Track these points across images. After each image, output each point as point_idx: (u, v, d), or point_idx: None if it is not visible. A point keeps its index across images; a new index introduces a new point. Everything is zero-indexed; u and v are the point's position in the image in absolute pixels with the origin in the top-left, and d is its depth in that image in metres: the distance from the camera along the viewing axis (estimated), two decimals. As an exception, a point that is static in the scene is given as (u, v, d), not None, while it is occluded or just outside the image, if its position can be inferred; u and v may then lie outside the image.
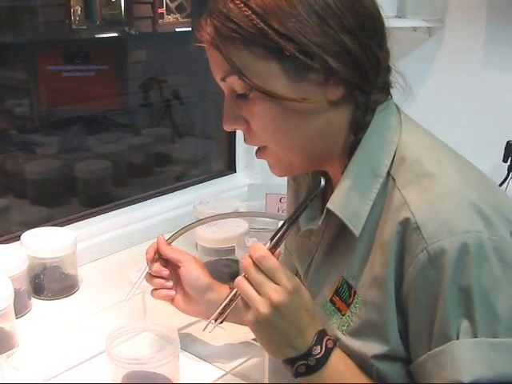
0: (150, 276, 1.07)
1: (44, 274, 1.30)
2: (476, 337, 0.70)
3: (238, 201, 1.58)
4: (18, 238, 1.33)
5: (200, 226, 1.38)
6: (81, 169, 1.86)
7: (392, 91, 0.84)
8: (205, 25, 0.78)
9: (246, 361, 1.03)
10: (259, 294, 0.76)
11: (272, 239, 0.81)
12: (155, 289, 1.08)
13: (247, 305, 0.78)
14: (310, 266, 0.90)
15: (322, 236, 0.87)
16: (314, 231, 0.87)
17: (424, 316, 0.73)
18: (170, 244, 1.08)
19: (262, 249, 0.77)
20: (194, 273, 1.06)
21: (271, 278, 0.76)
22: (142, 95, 2.39)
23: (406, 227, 0.72)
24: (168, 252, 1.06)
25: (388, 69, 0.81)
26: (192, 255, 1.09)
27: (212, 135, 2.16)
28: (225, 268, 1.39)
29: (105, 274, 1.41)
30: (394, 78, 0.83)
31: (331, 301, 0.83)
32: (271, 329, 0.76)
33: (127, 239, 1.55)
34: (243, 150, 1.85)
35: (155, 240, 1.08)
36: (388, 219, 0.75)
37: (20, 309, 1.20)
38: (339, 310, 0.82)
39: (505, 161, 1.47)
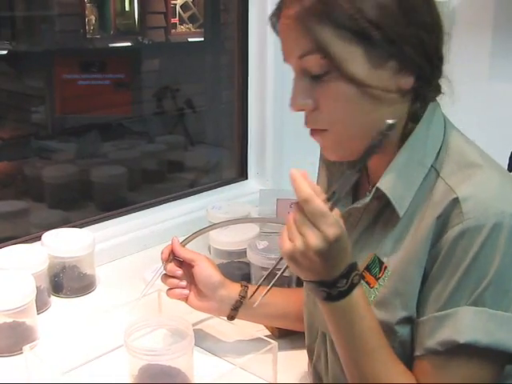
0: (165, 276, 1.12)
1: (63, 272, 1.35)
2: (483, 307, 0.76)
3: (249, 206, 1.63)
4: (38, 239, 1.39)
5: (213, 230, 1.43)
6: (96, 174, 1.92)
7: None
8: (290, 2, 0.80)
9: (255, 355, 1.07)
10: (315, 230, 0.75)
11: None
12: (170, 288, 1.13)
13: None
14: None
15: (360, 218, 0.90)
16: (353, 213, 0.90)
17: (441, 281, 0.79)
18: (184, 246, 1.14)
19: (308, 197, 0.75)
20: (206, 271, 1.11)
21: (313, 223, 0.75)
22: (156, 103, 2.46)
23: (452, 205, 0.78)
24: (182, 252, 1.12)
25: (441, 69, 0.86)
26: (204, 255, 1.14)
27: (224, 143, 2.21)
28: (236, 270, 1.43)
29: (121, 275, 1.47)
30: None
31: (361, 275, 0.85)
32: (304, 263, 0.77)
33: (143, 242, 1.60)
34: (255, 157, 1.91)
35: (170, 242, 1.14)
36: (430, 205, 0.81)
37: (40, 306, 1.25)
38: (368, 283, 0.87)
39: (510, 170, 1.51)
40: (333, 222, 0.75)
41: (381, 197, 0.85)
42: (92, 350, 1.14)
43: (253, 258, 1.33)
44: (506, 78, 1.58)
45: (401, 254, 0.83)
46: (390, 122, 0.76)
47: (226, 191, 1.87)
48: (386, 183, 0.84)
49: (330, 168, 1.00)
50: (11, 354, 1.14)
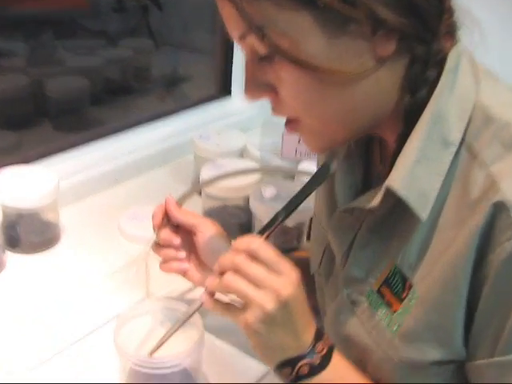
0: (158, 246, 0.88)
1: (20, 224, 1.09)
2: None
3: (242, 134, 1.37)
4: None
5: (204, 168, 1.18)
6: (53, 87, 1.60)
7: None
8: None
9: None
10: (261, 289, 0.66)
11: (263, 231, 0.72)
12: (165, 261, 0.89)
13: (243, 306, 0.67)
14: (351, 245, 0.74)
15: (366, 214, 0.71)
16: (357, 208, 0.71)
17: (495, 315, 0.60)
18: (181, 206, 0.89)
19: (256, 240, 0.68)
20: (212, 240, 0.88)
21: (273, 271, 0.66)
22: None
23: (496, 212, 0.58)
24: (179, 216, 0.87)
25: (452, 8, 0.62)
26: (209, 219, 0.90)
27: (201, 49, 1.90)
28: (231, 217, 1.20)
29: (90, 220, 1.21)
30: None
31: (379, 292, 0.69)
32: (276, 327, 0.66)
33: (113, 176, 1.33)
34: (241, 69, 1.62)
35: (162, 199, 0.89)
36: (464, 201, 0.61)
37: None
38: (389, 305, 0.68)
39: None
40: (291, 265, 0.67)
41: (394, 195, 0.63)
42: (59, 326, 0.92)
43: (258, 209, 1.10)
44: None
45: (427, 269, 0.64)
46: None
47: (208, 110, 1.59)
48: (399, 179, 0.62)
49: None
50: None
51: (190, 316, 0.76)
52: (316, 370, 0.67)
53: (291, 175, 1.13)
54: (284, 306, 0.65)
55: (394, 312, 0.67)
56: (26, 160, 1.23)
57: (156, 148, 1.41)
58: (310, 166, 1.10)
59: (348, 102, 0.63)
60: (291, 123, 0.68)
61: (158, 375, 0.76)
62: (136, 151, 1.38)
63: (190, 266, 0.90)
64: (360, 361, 0.70)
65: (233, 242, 0.70)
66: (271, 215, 1.09)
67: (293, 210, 0.72)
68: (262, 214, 1.09)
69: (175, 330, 0.77)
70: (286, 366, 0.68)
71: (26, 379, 0.84)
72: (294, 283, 0.66)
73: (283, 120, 0.68)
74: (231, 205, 1.20)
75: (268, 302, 0.65)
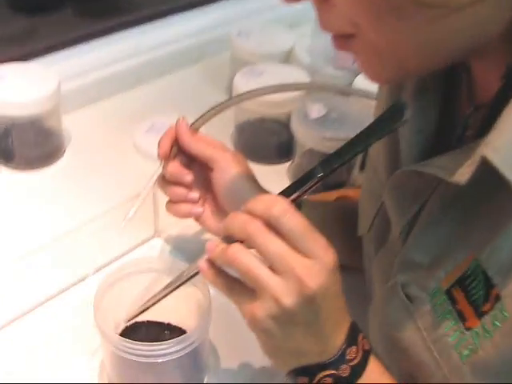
0: (165, 181, 0.68)
1: (14, 134, 0.90)
2: None
3: (289, 33, 1.11)
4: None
5: (240, 75, 0.96)
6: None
7: None
8: None
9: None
10: (278, 274, 0.46)
11: (291, 190, 0.51)
12: (173, 201, 0.70)
13: (252, 292, 0.48)
14: (415, 219, 0.52)
15: (439, 183, 0.49)
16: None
17: None
18: (196, 131, 0.68)
19: (281, 202, 0.47)
20: (234, 179, 0.68)
21: (299, 249, 0.46)
22: None
23: None
24: (193, 145, 0.67)
25: None
26: (231, 150, 0.69)
27: None
28: (269, 134, 0.98)
29: (98, 131, 1.00)
30: None
31: (449, 294, 0.48)
32: (293, 328, 0.48)
33: (132, 75, 1.11)
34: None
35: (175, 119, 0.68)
36: None
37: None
38: (461, 317, 0.47)
39: None
40: (326, 241, 0.47)
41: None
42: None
43: (300, 132, 0.88)
44: None
45: None
46: None
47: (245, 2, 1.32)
48: (503, 150, 0.40)
49: None
50: None
51: (179, 286, 0.56)
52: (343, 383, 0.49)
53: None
54: (309, 301, 0.46)
55: (468, 329, 0.46)
56: (34, 53, 1.03)
57: (186, 43, 1.17)
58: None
59: (433, 23, 0.39)
60: (341, 40, 0.45)
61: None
62: (161, 46, 1.14)
63: (205, 210, 0.70)
64: (410, 375, 0.51)
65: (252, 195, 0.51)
66: (317, 142, 0.88)
67: (335, 169, 0.50)
68: (306, 138, 0.87)
69: (158, 300, 0.58)
70: (302, 374, 0.50)
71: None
72: (327, 270, 0.46)
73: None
74: (270, 118, 0.98)
75: (287, 295, 0.46)
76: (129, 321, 0.61)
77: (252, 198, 0.65)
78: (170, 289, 0.57)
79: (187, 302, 0.63)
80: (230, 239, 0.49)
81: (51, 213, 0.83)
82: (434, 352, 0.48)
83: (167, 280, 0.63)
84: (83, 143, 0.98)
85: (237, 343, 0.70)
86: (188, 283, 0.56)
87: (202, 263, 0.51)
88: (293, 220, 0.46)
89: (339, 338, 0.49)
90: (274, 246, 0.46)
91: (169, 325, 0.67)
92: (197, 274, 0.54)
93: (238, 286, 0.49)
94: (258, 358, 0.68)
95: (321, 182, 0.50)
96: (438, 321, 0.48)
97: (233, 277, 0.50)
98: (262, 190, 0.68)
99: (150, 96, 1.09)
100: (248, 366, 0.68)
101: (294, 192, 0.50)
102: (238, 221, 0.48)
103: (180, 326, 0.67)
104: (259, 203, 0.48)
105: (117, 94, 1.07)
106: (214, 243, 0.50)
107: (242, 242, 0.48)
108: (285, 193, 0.51)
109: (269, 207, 0.47)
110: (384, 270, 0.56)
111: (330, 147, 0.83)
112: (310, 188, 0.50)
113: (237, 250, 0.48)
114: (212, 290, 0.61)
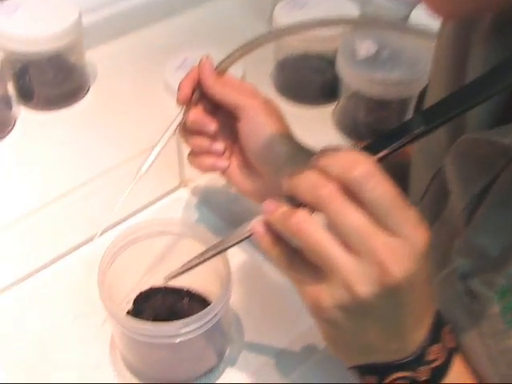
0: (186, 131, 0.60)
1: (31, 73, 0.83)
2: None
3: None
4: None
5: (280, 6, 0.85)
6: None
7: None
8: None
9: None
10: (354, 254, 0.36)
11: (377, 145, 0.38)
12: (195, 153, 0.61)
13: (318, 271, 0.38)
14: (482, 196, 0.43)
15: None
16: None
17: None
18: (223, 73, 0.59)
19: (364, 161, 0.36)
20: (263, 132, 0.59)
21: (386, 226, 0.36)
22: None
23: None
24: (218, 89, 0.58)
25: None
26: (262, 97, 0.60)
27: None
28: (313, 72, 0.88)
29: (125, 68, 0.92)
30: None
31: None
32: (367, 321, 0.39)
33: (159, 7, 1.00)
34: None
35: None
36: None
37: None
38: None
39: None
40: (418, 216, 0.37)
41: None
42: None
43: (347, 72, 0.78)
44: None
45: None
46: None
47: None
48: None
49: None
50: None
51: (226, 248, 0.48)
52: None
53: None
54: (390, 293, 0.37)
55: None
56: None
57: None
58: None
59: None
60: None
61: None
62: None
63: (231, 164, 0.62)
64: None
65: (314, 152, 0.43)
66: (365, 84, 0.77)
67: (442, 123, 0.37)
68: (352, 80, 0.77)
69: (200, 262, 0.50)
70: (371, 373, 0.42)
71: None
72: (416, 253, 0.36)
73: None
74: (315, 54, 0.87)
75: (363, 282, 0.36)
76: (169, 280, 0.53)
77: (283, 151, 0.57)
78: (215, 251, 0.48)
79: (206, 269, 0.55)
80: (294, 201, 0.39)
81: (73, 158, 0.77)
82: (501, 366, 0.39)
83: (186, 244, 0.56)
84: (108, 81, 0.90)
85: (262, 314, 0.63)
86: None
87: (257, 225, 0.41)
88: (379, 187, 0.36)
89: (420, 333, 0.40)
90: (352, 217, 0.36)
91: (188, 292, 0.60)
92: (247, 237, 0.44)
93: (300, 260, 0.39)
94: (288, 328, 0.61)
95: (420, 139, 0.38)
96: (506, 328, 0.39)
97: (294, 248, 0.40)
98: (297, 147, 0.59)
99: (183, 28, 0.99)
100: (275, 340, 0.61)
101: (383, 148, 0.38)
102: (309, 180, 0.38)
103: (200, 293, 0.60)
104: (337, 160, 0.37)
105: (146, 27, 0.99)
106: (273, 203, 0.40)
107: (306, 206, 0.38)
108: (370, 149, 0.39)
109: (349, 167, 0.36)
110: (440, 249, 0.47)
111: (380, 91, 0.73)
112: (403, 145, 0.38)
113: (304, 218, 0.38)
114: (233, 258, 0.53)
